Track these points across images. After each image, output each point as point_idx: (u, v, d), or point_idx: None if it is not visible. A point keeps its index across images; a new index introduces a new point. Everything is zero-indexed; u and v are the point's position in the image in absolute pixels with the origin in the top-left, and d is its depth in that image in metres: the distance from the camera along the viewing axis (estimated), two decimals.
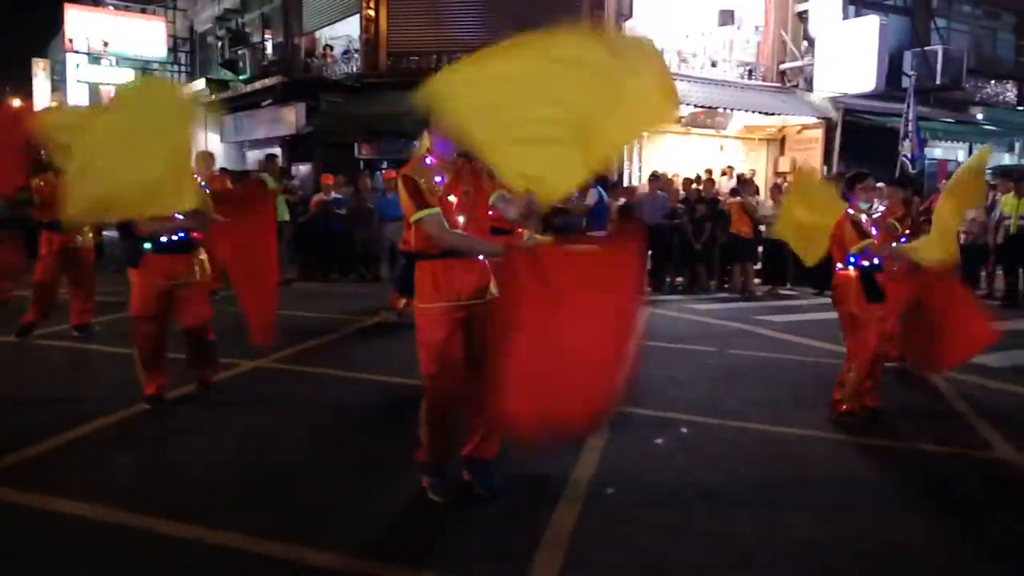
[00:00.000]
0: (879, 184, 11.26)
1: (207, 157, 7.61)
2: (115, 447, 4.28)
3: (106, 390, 5.22)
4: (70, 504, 3.44)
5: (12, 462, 3.93)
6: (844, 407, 4.93)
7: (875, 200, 5.23)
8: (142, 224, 4.58)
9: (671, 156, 15.93)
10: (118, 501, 3.47)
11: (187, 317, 4.87)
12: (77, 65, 26.88)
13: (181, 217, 4.55)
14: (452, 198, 3.47)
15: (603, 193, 10.70)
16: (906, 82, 16.69)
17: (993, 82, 18.98)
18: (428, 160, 3.51)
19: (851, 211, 4.91)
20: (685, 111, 14.95)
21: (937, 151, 18.37)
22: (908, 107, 11.83)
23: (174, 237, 4.72)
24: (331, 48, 17.95)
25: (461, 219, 3.49)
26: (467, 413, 3.64)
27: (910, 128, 11.84)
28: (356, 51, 16.55)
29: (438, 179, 3.46)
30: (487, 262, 3.54)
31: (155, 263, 4.72)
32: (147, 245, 4.68)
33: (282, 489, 3.74)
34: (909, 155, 11.89)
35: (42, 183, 6.62)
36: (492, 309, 3.51)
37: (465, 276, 3.48)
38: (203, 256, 4.97)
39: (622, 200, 11.70)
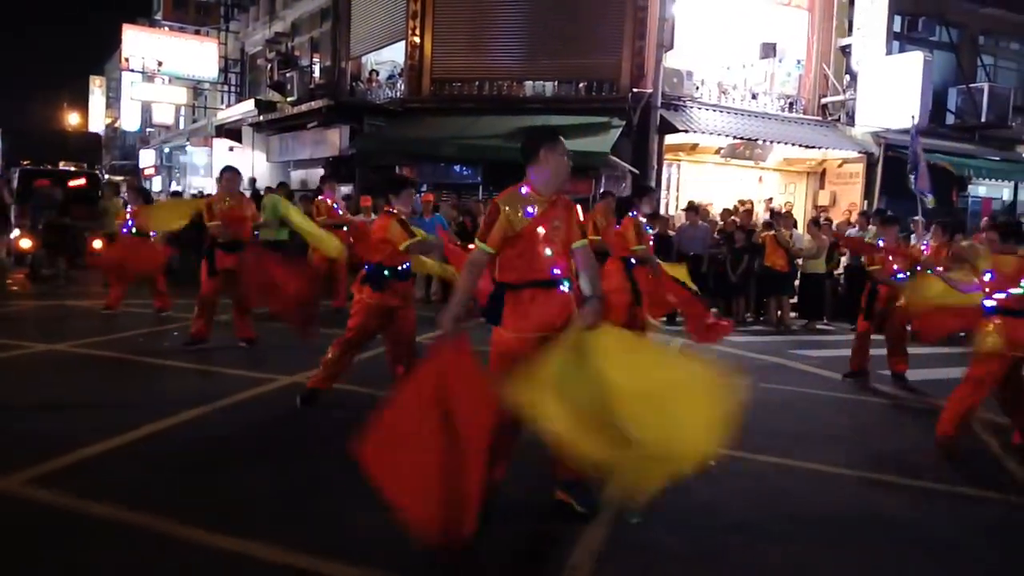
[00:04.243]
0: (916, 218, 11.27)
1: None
2: (155, 455, 4.39)
3: (168, 396, 5.39)
4: (103, 508, 3.53)
5: (54, 466, 4.05)
6: (944, 431, 5.08)
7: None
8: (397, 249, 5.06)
9: (708, 186, 15.95)
10: (151, 507, 3.55)
11: (406, 330, 5.40)
12: (132, 83, 27.89)
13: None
14: (540, 229, 3.52)
15: None
16: (950, 118, 16.70)
17: None
18: (524, 190, 3.58)
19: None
20: (724, 142, 14.99)
21: (981, 189, 18.13)
22: (913, 142, 12.13)
23: (405, 265, 5.27)
24: (376, 73, 18.38)
25: (548, 251, 3.54)
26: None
27: (917, 163, 12.06)
28: (400, 76, 16.89)
29: (529, 210, 3.52)
30: (570, 295, 3.60)
31: (396, 287, 5.24)
32: (387, 272, 5.19)
33: (320, 504, 3.82)
34: (917, 190, 12.16)
35: (220, 206, 7.02)
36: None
37: (548, 307, 3.53)
38: None
39: (656, 230, 11.72)
